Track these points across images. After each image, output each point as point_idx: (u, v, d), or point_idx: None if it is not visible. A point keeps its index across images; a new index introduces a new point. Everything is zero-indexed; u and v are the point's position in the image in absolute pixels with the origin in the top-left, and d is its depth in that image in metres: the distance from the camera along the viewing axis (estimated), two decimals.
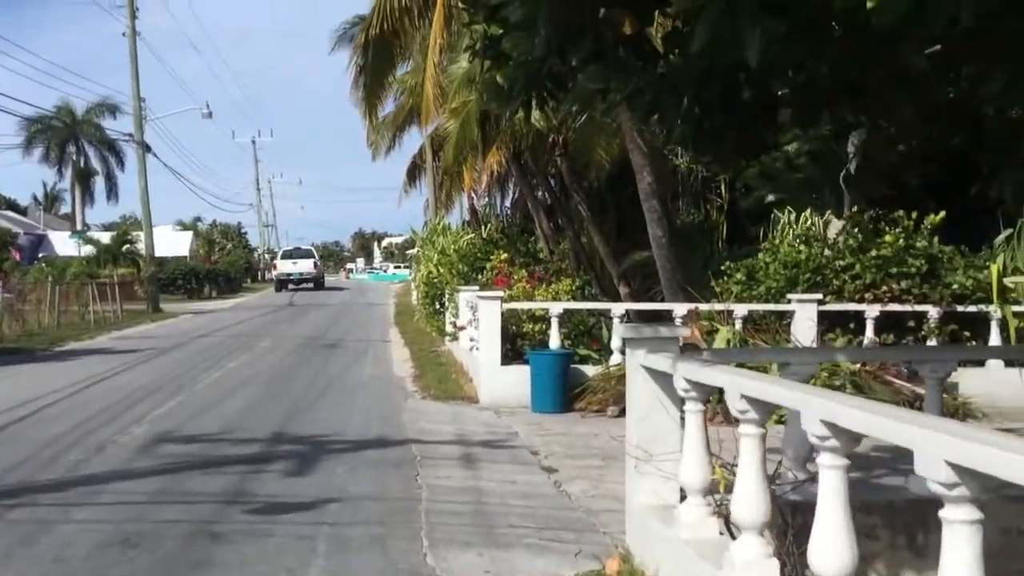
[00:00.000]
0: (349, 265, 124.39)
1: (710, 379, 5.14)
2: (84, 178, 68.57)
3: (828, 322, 14.40)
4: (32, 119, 59.10)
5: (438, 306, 23.07)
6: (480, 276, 18.12)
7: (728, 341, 13.42)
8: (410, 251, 61.76)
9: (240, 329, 27.57)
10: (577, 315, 14.95)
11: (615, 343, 14.12)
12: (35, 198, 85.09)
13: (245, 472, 9.14)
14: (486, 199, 32.58)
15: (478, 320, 15.23)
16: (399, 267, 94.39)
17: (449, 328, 19.63)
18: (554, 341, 14.07)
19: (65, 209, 76.78)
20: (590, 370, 14.03)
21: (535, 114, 20.66)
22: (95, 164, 68.74)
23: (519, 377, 13.77)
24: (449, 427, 12.03)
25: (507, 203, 34.02)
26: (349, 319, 32.92)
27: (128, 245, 34.38)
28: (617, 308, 14.45)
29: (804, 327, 13.99)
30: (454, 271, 19.59)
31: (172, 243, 58.36)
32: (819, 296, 14.33)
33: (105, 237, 36.11)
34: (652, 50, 4.79)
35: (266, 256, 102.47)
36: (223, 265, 61.69)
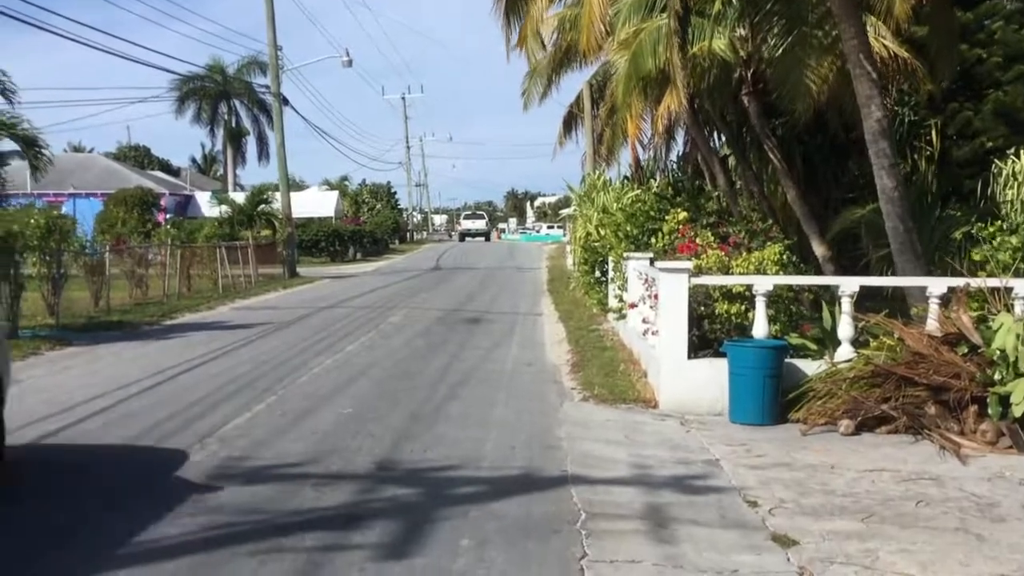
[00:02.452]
0: (501, 225, 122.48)
1: None
2: (235, 138, 67.68)
3: None
4: (185, 77, 58.22)
5: (599, 274, 19.56)
6: (653, 241, 14.51)
7: (1018, 336, 9.43)
8: (564, 210, 59.32)
9: (374, 298, 24.71)
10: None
11: (844, 331, 10.44)
12: (193, 160, 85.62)
13: (320, 547, 5.90)
14: (650, 152, 28.67)
15: (655, 298, 11.71)
16: (552, 227, 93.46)
17: (614, 303, 16.12)
18: (760, 328, 10.51)
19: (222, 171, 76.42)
20: (807, 367, 10.39)
21: (720, 43, 16.80)
22: (246, 124, 67.83)
23: (712, 374, 10.36)
24: (623, 451, 8.59)
25: (671, 157, 29.98)
26: (496, 286, 29.77)
27: (264, 205, 32.01)
28: (848, 283, 10.63)
29: None
30: (620, 234, 16.00)
31: (317, 204, 56.49)
32: None
33: (241, 197, 33.92)
34: None
35: (416, 216, 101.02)
36: (370, 226, 59.58)
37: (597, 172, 26.14)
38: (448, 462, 8.01)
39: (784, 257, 11.71)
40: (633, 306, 13.15)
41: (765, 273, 11.39)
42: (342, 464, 7.91)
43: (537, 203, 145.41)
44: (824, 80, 14.59)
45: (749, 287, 10.95)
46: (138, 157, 73.19)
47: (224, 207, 33.05)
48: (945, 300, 10.44)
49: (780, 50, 14.81)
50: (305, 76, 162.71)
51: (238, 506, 6.71)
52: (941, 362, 9.76)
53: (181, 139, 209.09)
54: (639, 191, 22.42)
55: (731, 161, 24.51)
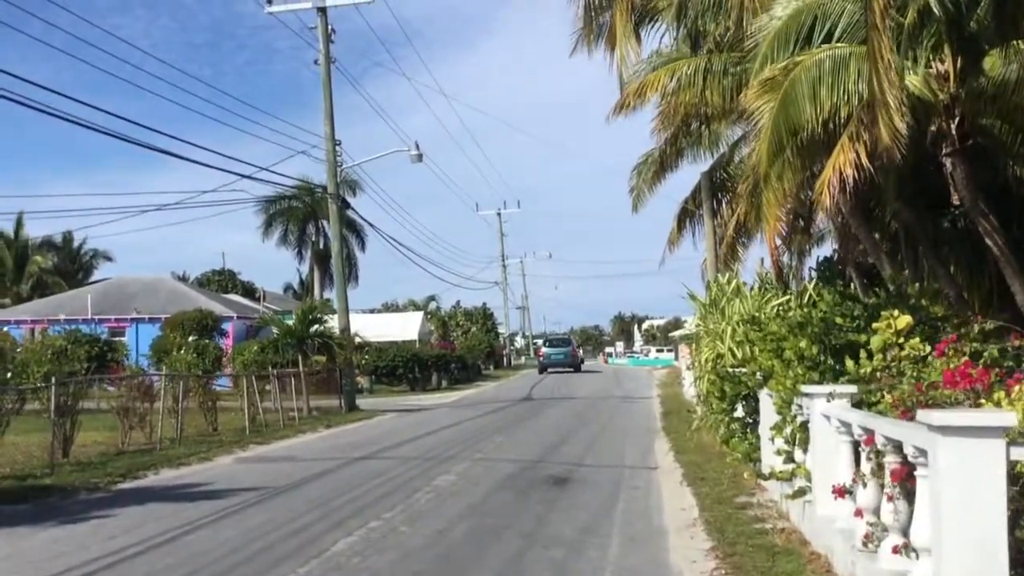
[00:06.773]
0: (608, 349, 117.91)
1: None
2: (322, 260, 64.11)
3: None
4: (271, 199, 55.24)
5: (740, 412, 13.46)
6: (850, 364, 8.51)
7: None
8: (674, 332, 53.85)
9: (432, 442, 18.80)
10: None
11: None
12: (289, 286, 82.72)
13: None
14: (793, 251, 22.74)
15: (896, 479, 5.74)
16: (661, 351, 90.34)
17: (776, 462, 9.98)
18: None
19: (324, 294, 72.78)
20: None
21: (914, 79, 10.76)
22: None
23: None
24: None
25: (810, 262, 23.84)
26: (597, 422, 23.67)
27: (317, 326, 26.86)
28: None
29: None
30: (787, 353, 9.98)
31: (399, 326, 51.49)
32: None
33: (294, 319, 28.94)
34: None
35: (519, 340, 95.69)
36: (461, 350, 54.07)
37: (728, 276, 20.17)
38: None
39: None
40: (843, 493, 6.98)
41: None
42: None
43: (645, 326, 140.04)
44: None
45: None
46: (222, 282, 69.94)
47: (274, 329, 28.06)
48: None
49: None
50: (392, 200, 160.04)
51: None
52: None
53: (279, 264, 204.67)
54: (787, 298, 16.56)
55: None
